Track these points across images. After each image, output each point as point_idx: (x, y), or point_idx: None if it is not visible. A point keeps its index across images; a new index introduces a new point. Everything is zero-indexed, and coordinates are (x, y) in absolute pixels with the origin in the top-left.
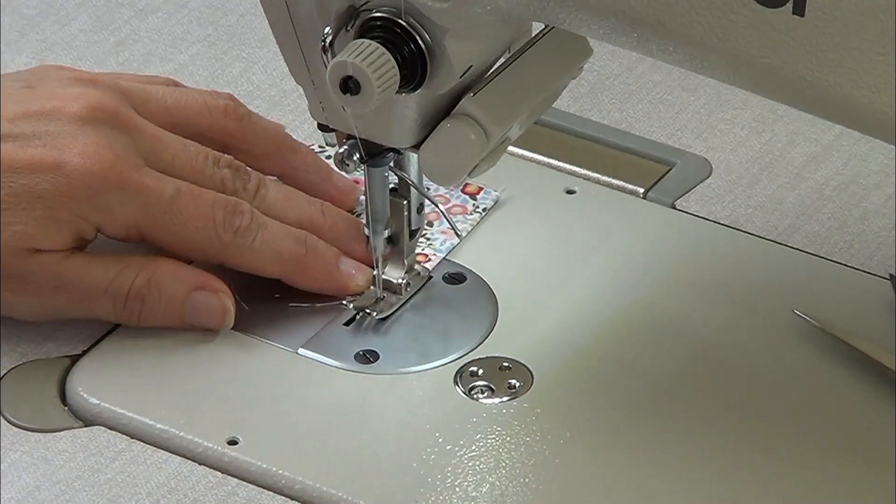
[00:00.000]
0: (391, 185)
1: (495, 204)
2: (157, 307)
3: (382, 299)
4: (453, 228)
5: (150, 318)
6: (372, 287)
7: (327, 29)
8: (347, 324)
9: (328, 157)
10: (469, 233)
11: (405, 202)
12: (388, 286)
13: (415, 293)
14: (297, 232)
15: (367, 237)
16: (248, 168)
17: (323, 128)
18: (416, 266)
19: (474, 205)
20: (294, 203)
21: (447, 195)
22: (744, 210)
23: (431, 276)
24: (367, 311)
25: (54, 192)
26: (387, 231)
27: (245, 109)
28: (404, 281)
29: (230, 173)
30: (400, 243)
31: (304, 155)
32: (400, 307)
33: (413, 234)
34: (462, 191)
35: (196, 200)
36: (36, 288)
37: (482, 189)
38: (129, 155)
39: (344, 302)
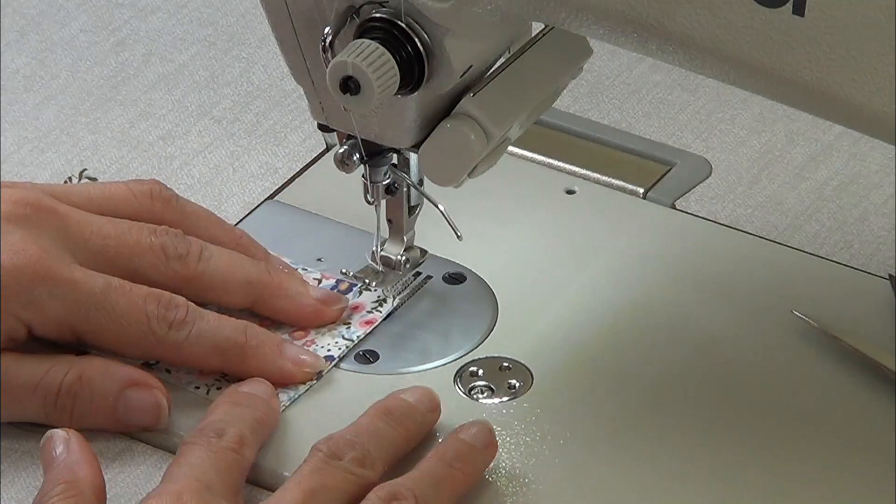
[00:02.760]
0: (386, 181)
1: None
2: (89, 405)
3: (382, 272)
4: (453, 229)
5: (82, 416)
6: (371, 262)
7: (327, 29)
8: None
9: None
10: (468, 233)
11: (403, 176)
12: (388, 262)
13: (414, 293)
14: (236, 322)
15: (364, 183)
16: (185, 235)
17: (323, 128)
18: (414, 245)
19: None
20: (240, 264)
21: None
22: (744, 210)
23: (427, 252)
24: (366, 282)
25: None
26: (386, 178)
27: (171, 193)
28: (403, 258)
29: (170, 240)
30: (399, 188)
31: (238, 236)
32: (400, 306)
33: (412, 210)
34: None
35: (127, 294)
36: None
37: None
38: (56, 250)
39: (343, 270)
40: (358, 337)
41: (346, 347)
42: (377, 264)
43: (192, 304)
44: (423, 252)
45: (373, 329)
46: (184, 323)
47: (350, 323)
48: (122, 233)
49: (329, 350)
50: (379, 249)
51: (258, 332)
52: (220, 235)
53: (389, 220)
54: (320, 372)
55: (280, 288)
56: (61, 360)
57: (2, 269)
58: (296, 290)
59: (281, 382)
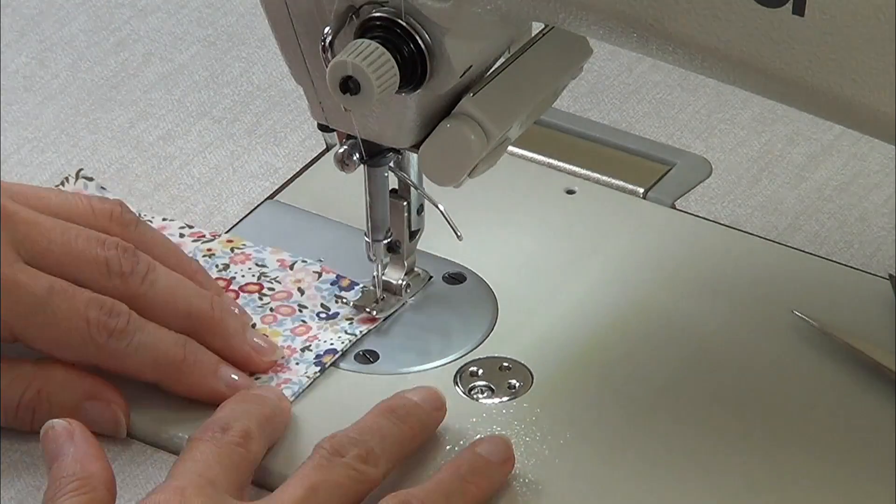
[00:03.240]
0: (391, 187)
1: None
2: (48, 417)
3: (382, 300)
4: (453, 229)
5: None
6: (372, 287)
7: (327, 29)
8: None
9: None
10: (468, 233)
11: (405, 203)
12: (388, 287)
13: (415, 293)
14: (176, 336)
15: (367, 242)
16: (137, 251)
17: (323, 128)
18: (416, 268)
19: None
20: (184, 292)
21: None
22: (744, 210)
23: (431, 277)
24: (367, 310)
25: None
26: (387, 239)
27: (133, 217)
28: (404, 282)
29: (117, 255)
30: (400, 245)
31: (193, 270)
32: (400, 307)
33: (413, 235)
34: None
35: (70, 299)
36: None
37: None
38: (2, 250)
39: (345, 300)
40: (360, 332)
41: (349, 341)
42: (378, 289)
43: (135, 313)
44: (428, 276)
45: (374, 326)
46: (124, 332)
47: (352, 319)
48: (70, 239)
49: (332, 343)
50: (380, 273)
51: (197, 349)
52: (175, 266)
53: (390, 244)
54: (323, 364)
55: (219, 325)
56: (21, 374)
57: None
58: (233, 332)
59: (212, 402)
